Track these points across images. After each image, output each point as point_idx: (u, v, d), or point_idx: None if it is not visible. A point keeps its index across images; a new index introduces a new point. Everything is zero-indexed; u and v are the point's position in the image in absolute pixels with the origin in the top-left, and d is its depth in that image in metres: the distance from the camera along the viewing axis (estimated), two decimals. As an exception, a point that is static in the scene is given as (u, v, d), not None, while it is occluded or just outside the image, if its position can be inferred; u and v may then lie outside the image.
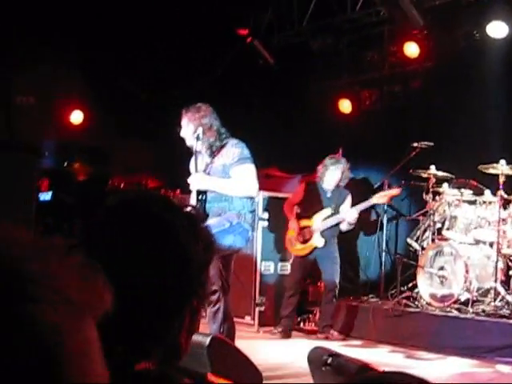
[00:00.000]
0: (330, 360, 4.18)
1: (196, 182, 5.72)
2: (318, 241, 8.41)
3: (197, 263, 1.47)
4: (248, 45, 11.31)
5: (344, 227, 8.52)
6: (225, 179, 5.66)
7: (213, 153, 5.75)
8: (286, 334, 8.29)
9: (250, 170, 5.70)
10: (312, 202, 8.57)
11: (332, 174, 8.54)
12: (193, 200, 5.82)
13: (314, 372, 4.40)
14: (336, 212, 8.47)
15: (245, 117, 11.81)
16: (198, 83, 11.79)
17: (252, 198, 5.81)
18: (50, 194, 12.83)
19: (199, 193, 5.73)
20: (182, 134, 5.83)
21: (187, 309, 1.47)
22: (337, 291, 8.38)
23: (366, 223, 10.25)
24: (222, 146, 5.75)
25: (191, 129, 5.74)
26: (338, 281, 8.40)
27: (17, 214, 9.40)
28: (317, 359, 4.38)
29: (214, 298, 5.64)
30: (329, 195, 8.60)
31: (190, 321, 1.49)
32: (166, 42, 11.68)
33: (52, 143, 13.42)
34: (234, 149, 5.70)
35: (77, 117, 12.48)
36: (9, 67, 10.90)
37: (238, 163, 5.65)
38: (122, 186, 13.67)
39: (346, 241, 10.18)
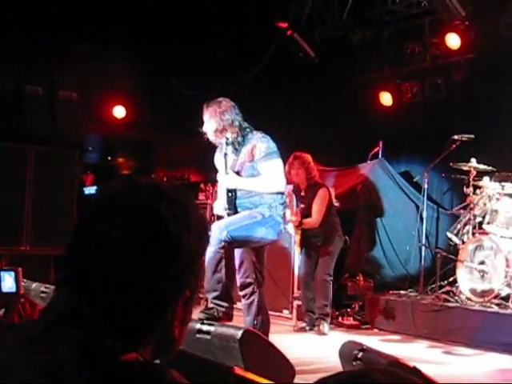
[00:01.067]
0: (360, 355, 4.15)
1: (227, 183, 5.73)
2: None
3: (189, 252, 1.44)
4: (288, 38, 11.26)
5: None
6: (253, 179, 5.68)
7: (236, 149, 5.74)
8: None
9: (276, 166, 5.71)
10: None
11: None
12: (222, 197, 5.84)
13: (344, 366, 4.37)
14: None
15: (285, 111, 11.81)
16: (239, 77, 11.80)
17: (282, 192, 5.82)
18: (94, 188, 13.02)
19: (229, 190, 5.74)
20: (204, 129, 5.82)
21: (179, 299, 1.45)
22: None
23: (407, 217, 10.17)
24: (246, 141, 5.74)
25: (212, 124, 5.73)
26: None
27: (59, 206, 9.61)
28: (348, 354, 4.35)
29: (249, 290, 5.65)
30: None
31: (183, 311, 1.47)
32: (208, 37, 11.71)
33: (96, 138, 13.60)
34: (260, 144, 5.68)
35: (120, 111, 12.58)
36: (52, 63, 11.03)
37: (264, 159, 5.65)
38: (164, 179, 13.78)
39: (386, 235, 10.14)
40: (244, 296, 5.71)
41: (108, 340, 1.30)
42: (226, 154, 5.71)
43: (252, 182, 5.67)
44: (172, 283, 1.42)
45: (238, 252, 5.68)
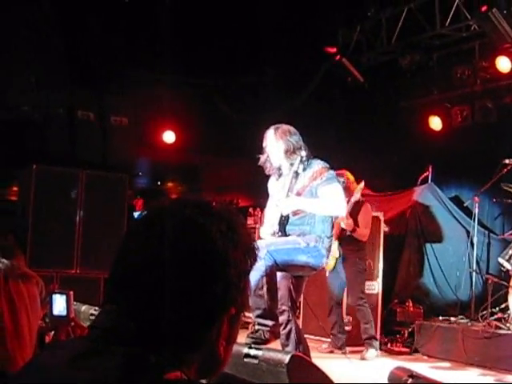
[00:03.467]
0: (409, 381, 4.10)
1: (289, 205, 5.70)
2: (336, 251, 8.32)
3: (236, 269, 1.44)
4: (337, 63, 11.29)
5: None
6: (315, 199, 5.65)
7: (297, 173, 5.74)
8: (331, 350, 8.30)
9: (338, 190, 5.69)
10: None
11: None
12: (269, 222, 5.83)
13: (392, 394, 4.34)
14: None
15: (334, 136, 11.80)
16: (286, 102, 11.84)
17: (332, 224, 5.79)
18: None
19: (282, 215, 5.74)
20: (270, 151, 5.83)
21: (225, 316, 1.44)
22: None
23: (457, 242, 10.04)
24: (306, 167, 5.75)
25: (281, 146, 5.74)
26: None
27: (109, 230, 9.72)
28: (396, 380, 4.30)
29: (284, 318, 5.61)
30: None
31: (228, 329, 1.46)
32: (258, 62, 11.80)
33: (146, 163, 13.75)
34: (321, 169, 5.69)
35: (169, 136, 12.71)
36: (103, 88, 11.22)
37: (325, 183, 5.64)
38: (214, 204, 13.82)
39: (436, 260, 10.02)
40: (280, 325, 5.67)
41: (152, 357, 1.30)
42: (296, 172, 5.70)
43: (314, 203, 5.64)
44: (218, 300, 1.41)
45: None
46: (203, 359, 1.44)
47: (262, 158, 5.90)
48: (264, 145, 5.86)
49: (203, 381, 1.51)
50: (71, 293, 3.25)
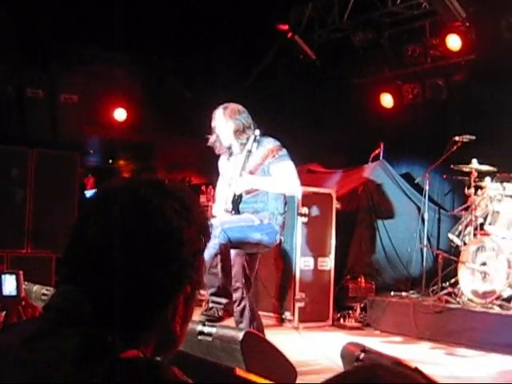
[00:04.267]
0: (362, 356, 4.14)
1: (243, 184, 5.69)
2: None
3: (190, 248, 1.44)
4: (288, 40, 11.27)
5: None
6: (269, 178, 5.66)
7: (250, 152, 5.74)
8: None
9: (290, 167, 5.70)
10: None
11: None
12: (222, 200, 5.82)
13: (346, 367, 4.37)
14: None
15: (286, 113, 11.80)
16: (239, 80, 11.81)
17: (285, 201, 5.81)
18: (95, 191, 13.01)
19: (235, 194, 5.74)
20: (219, 131, 5.81)
21: (181, 295, 1.44)
22: None
23: (408, 219, 10.16)
24: (258, 146, 5.75)
25: (231, 126, 5.72)
26: None
27: (60, 209, 9.60)
28: (349, 355, 4.34)
29: (238, 295, 5.63)
30: None
31: (184, 307, 1.46)
32: (209, 40, 11.72)
33: (97, 141, 13.60)
34: (273, 147, 5.70)
35: (120, 114, 12.58)
36: (53, 66, 11.04)
37: (278, 161, 5.64)
38: (167, 183, 13.76)
39: (387, 237, 10.13)
40: (234, 302, 5.68)
41: (108, 337, 1.29)
42: (249, 151, 5.69)
43: (268, 182, 5.64)
44: (173, 279, 1.41)
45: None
46: (160, 337, 1.44)
47: (212, 138, 5.88)
48: (213, 125, 5.82)
49: (158, 358, 1.50)
50: (21, 272, 3.21)
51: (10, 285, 3.20)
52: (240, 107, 5.82)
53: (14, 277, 3.19)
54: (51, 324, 1.33)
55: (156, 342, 1.43)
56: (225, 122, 5.75)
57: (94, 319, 1.32)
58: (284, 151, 5.72)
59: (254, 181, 5.64)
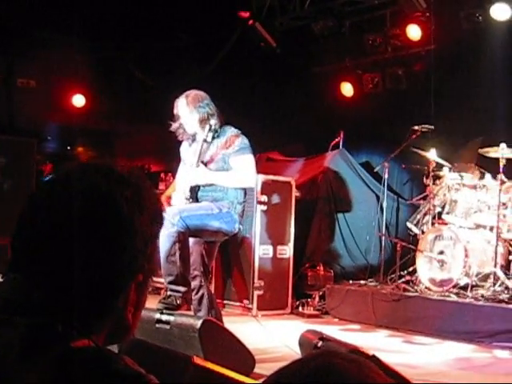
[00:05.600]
0: (320, 344, 4.16)
1: (197, 176, 5.68)
2: None
3: (142, 235, 1.40)
4: (249, 28, 11.22)
5: None
6: (225, 173, 5.66)
7: (204, 141, 5.71)
8: None
9: (249, 161, 5.71)
10: None
11: None
12: (182, 188, 5.79)
13: (304, 355, 4.38)
14: None
15: (246, 101, 11.76)
16: (199, 67, 11.73)
17: (245, 190, 5.81)
18: (53, 177, 12.83)
19: None
20: (184, 121, 5.77)
21: (132, 283, 1.41)
22: None
23: (367, 207, 10.21)
24: (220, 133, 5.73)
25: (195, 115, 5.69)
26: None
27: (17, 196, 9.46)
28: (307, 343, 4.35)
29: (196, 283, 5.62)
30: None
31: (136, 296, 1.43)
32: (170, 26, 11.62)
33: (55, 127, 13.42)
34: (234, 138, 5.69)
35: (79, 100, 12.43)
36: (9, 50, 10.86)
37: (238, 153, 5.65)
38: (121, 169, 13.65)
39: (346, 225, 10.17)
40: (192, 290, 5.67)
41: (58, 326, 1.26)
42: (205, 141, 5.66)
43: (224, 176, 5.65)
44: (124, 267, 1.37)
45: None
46: (112, 326, 1.40)
47: (174, 124, 5.84)
48: (175, 111, 5.79)
49: (114, 347, 1.48)
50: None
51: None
52: (202, 94, 5.80)
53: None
54: None
55: (108, 330, 1.40)
56: (189, 112, 5.72)
57: (42, 308, 1.28)
58: (245, 142, 5.71)
59: (209, 176, 5.65)
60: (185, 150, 5.99)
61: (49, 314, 1.27)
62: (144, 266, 1.43)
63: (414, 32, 10.23)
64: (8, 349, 1.21)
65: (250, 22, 11.20)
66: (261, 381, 1.18)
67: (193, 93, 5.78)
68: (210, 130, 5.65)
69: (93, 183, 1.38)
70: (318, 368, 1.05)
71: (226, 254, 8.69)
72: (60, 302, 1.30)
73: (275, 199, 8.92)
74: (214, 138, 5.71)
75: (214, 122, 5.67)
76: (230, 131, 5.75)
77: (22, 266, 1.36)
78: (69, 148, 15.05)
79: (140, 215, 1.40)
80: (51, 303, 1.29)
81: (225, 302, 8.82)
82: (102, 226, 1.35)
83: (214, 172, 5.67)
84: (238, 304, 8.72)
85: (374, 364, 1.08)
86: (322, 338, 4.16)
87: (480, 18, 9.48)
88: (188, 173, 5.76)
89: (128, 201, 1.39)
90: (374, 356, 3.78)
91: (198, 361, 3.44)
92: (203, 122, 5.69)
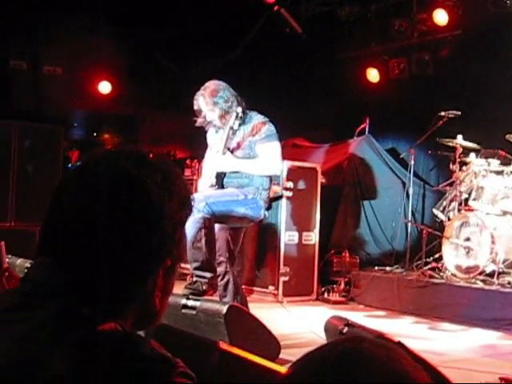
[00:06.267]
0: (345, 330, 4.17)
1: (223, 164, 5.70)
2: None
3: (171, 221, 1.42)
4: (275, 14, 11.18)
5: None
6: (250, 161, 5.67)
7: (232, 129, 5.72)
8: None
9: (275, 148, 5.71)
10: None
11: None
12: (208, 174, 5.81)
13: (329, 341, 4.39)
14: None
15: (272, 87, 11.75)
16: (226, 54, 11.73)
17: (270, 177, 5.82)
18: (80, 164, 12.91)
19: None
20: (209, 118, 5.78)
21: (160, 268, 1.42)
22: None
23: (393, 194, 10.17)
24: (247, 120, 5.74)
25: (217, 111, 5.69)
26: None
27: (44, 183, 9.54)
28: (332, 329, 4.36)
29: (222, 269, 5.64)
30: None
31: (164, 281, 1.44)
32: (195, 13, 11.61)
33: (81, 114, 13.50)
34: (261, 125, 5.69)
35: (105, 87, 12.48)
36: (35, 38, 10.92)
37: (264, 140, 5.65)
38: (150, 156, 13.71)
39: (372, 212, 10.15)
40: (217, 276, 5.69)
41: (85, 309, 1.27)
42: (232, 128, 5.67)
43: (249, 164, 5.66)
44: (153, 252, 1.39)
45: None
46: (139, 311, 1.42)
47: (199, 120, 5.86)
48: (196, 108, 5.80)
49: (141, 332, 1.49)
50: (2, 243, 3.18)
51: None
52: (218, 85, 5.76)
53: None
54: (27, 296, 1.31)
55: (135, 315, 1.41)
56: (211, 110, 5.74)
57: (70, 291, 1.30)
58: (272, 130, 5.71)
59: (234, 163, 5.66)
60: (212, 136, 6.01)
61: (76, 297, 1.29)
62: (172, 251, 1.44)
63: (440, 17, 10.14)
64: (36, 331, 1.23)
65: (276, 8, 11.16)
66: (286, 366, 1.19)
67: (208, 88, 5.75)
68: (236, 117, 5.65)
69: (122, 168, 1.40)
70: (346, 352, 1.05)
71: (251, 240, 8.71)
72: (88, 285, 1.31)
73: (301, 185, 8.92)
74: (240, 124, 5.72)
75: (239, 109, 5.67)
76: (257, 118, 5.75)
77: (51, 250, 1.38)
78: (95, 134, 15.16)
79: (169, 200, 1.42)
80: (79, 287, 1.31)
81: (251, 288, 8.85)
82: (132, 210, 1.36)
83: (239, 159, 5.68)
84: (264, 290, 8.74)
85: (400, 350, 1.08)
86: (348, 324, 4.16)
87: (507, 1, 9.37)
88: (214, 159, 5.78)
89: (158, 186, 1.40)
90: (399, 342, 3.78)
91: (224, 346, 3.46)
92: (223, 117, 5.69)
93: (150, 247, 1.38)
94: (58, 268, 1.33)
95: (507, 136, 8.11)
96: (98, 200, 1.34)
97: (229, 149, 5.72)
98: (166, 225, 1.40)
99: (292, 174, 8.82)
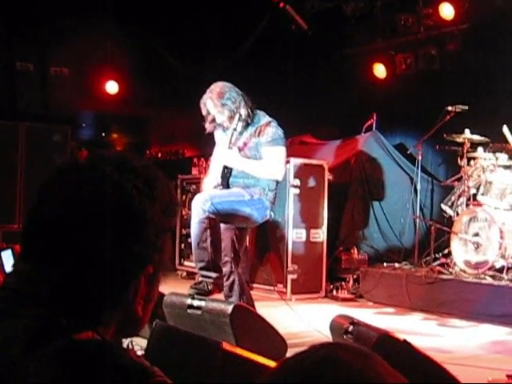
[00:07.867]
0: (351, 328, 4.16)
1: (228, 158, 5.69)
2: None
3: (153, 227, 1.39)
4: (280, 10, 11.15)
5: None
6: (254, 162, 5.66)
7: (234, 130, 5.71)
8: None
9: (280, 154, 5.70)
10: None
11: None
12: (214, 173, 5.81)
13: (335, 340, 4.36)
14: None
15: (278, 84, 11.73)
16: (232, 52, 11.72)
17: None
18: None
19: (225, 166, 5.73)
20: (219, 121, 5.77)
21: (142, 275, 1.39)
22: None
23: (401, 190, 10.13)
24: (255, 120, 5.73)
25: (225, 114, 5.69)
26: None
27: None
28: (338, 327, 4.35)
29: (227, 269, 5.63)
30: None
31: (146, 288, 1.42)
32: (201, 11, 11.60)
33: (89, 114, 13.52)
34: (265, 126, 5.68)
35: (112, 87, 12.49)
36: (42, 39, 10.94)
37: (270, 144, 5.65)
38: (159, 155, 13.74)
39: (380, 208, 10.11)
40: (223, 277, 5.68)
41: (63, 318, 1.25)
42: (235, 129, 5.67)
43: (253, 165, 5.65)
44: (134, 259, 1.36)
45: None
46: (121, 319, 1.39)
47: (209, 126, 5.87)
48: (204, 113, 5.80)
49: (146, 334, 1.47)
50: (17, 246, 3.19)
51: (9, 260, 3.18)
52: (222, 87, 5.76)
53: (9, 252, 3.18)
54: (6, 304, 1.29)
55: (117, 323, 1.39)
56: (219, 112, 5.73)
57: (48, 300, 1.28)
58: (278, 132, 5.71)
59: (240, 160, 5.64)
60: (219, 134, 6.01)
61: (55, 306, 1.27)
62: (154, 258, 1.41)
63: (447, 11, 10.08)
64: (12, 340, 1.21)
65: (281, 4, 11.13)
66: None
67: (215, 91, 5.74)
68: (239, 119, 5.64)
69: (104, 173, 1.37)
70: (319, 361, 1.02)
71: (259, 238, 8.70)
72: (67, 293, 1.29)
73: (308, 183, 8.89)
74: (248, 124, 5.71)
75: (243, 111, 5.66)
76: (263, 119, 5.75)
77: (30, 256, 1.35)
78: (103, 134, 15.18)
79: (151, 206, 1.39)
80: (57, 295, 1.29)
81: (258, 286, 8.83)
82: (113, 216, 1.33)
83: (243, 159, 5.67)
84: (269, 288, 8.72)
85: (379, 357, 1.05)
86: (353, 322, 4.15)
87: (514, -6, 9.32)
88: (222, 153, 5.78)
89: (139, 191, 1.37)
90: (405, 341, 3.76)
91: (227, 347, 3.45)
92: (231, 119, 5.69)
93: (131, 254, 1.35)
94: (37, 275, 1.31)
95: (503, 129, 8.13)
96: (77, 206, 1.32)
97: (240, 149, 5.72)
98: (148, 231, 1.38)
99: (299, 171, 8.79)
